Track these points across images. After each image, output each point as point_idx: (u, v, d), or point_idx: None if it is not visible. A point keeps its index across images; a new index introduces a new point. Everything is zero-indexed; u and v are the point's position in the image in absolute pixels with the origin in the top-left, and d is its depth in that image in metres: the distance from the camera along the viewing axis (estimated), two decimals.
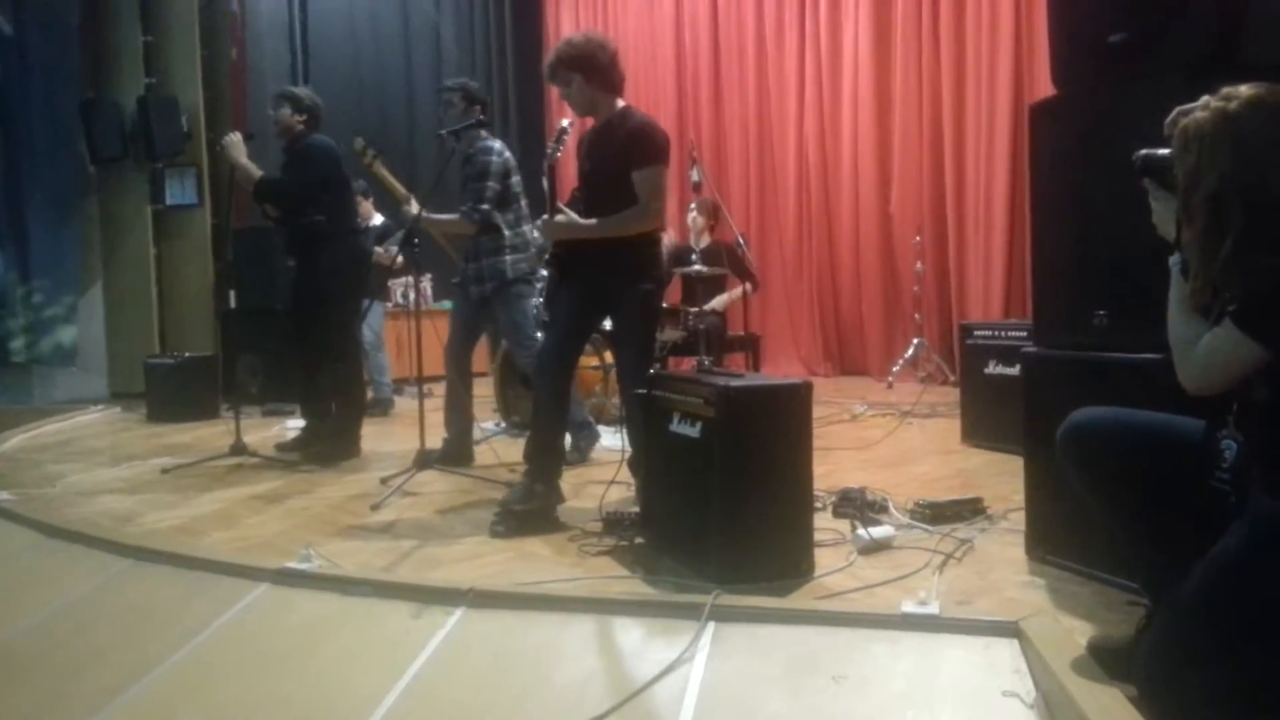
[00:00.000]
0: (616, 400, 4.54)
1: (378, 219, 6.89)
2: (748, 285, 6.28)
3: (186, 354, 7.06)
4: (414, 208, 4.44)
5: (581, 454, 4.71)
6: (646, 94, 9.21)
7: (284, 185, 4.88)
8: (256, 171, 4.89)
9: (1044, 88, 6.23)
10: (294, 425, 5.62)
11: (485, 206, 4.49)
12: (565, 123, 3.68)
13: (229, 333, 7.32)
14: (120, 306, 7.74)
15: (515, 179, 4.63)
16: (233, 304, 6.84)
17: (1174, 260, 1.92)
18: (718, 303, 6.23)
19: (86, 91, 7.62)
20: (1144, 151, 1.99)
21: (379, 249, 6.59)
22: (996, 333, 4.85)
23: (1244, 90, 1.78)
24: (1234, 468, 1.87)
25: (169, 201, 7.68)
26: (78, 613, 3.05)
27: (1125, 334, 2.62)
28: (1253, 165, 1.74)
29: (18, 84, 7.66)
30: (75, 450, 5.65)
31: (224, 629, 2.74)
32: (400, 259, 6.71)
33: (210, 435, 5.81)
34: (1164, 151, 1.93)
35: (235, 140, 4.89)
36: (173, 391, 6.77)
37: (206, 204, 7.67)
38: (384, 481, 4.18)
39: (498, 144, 4.62)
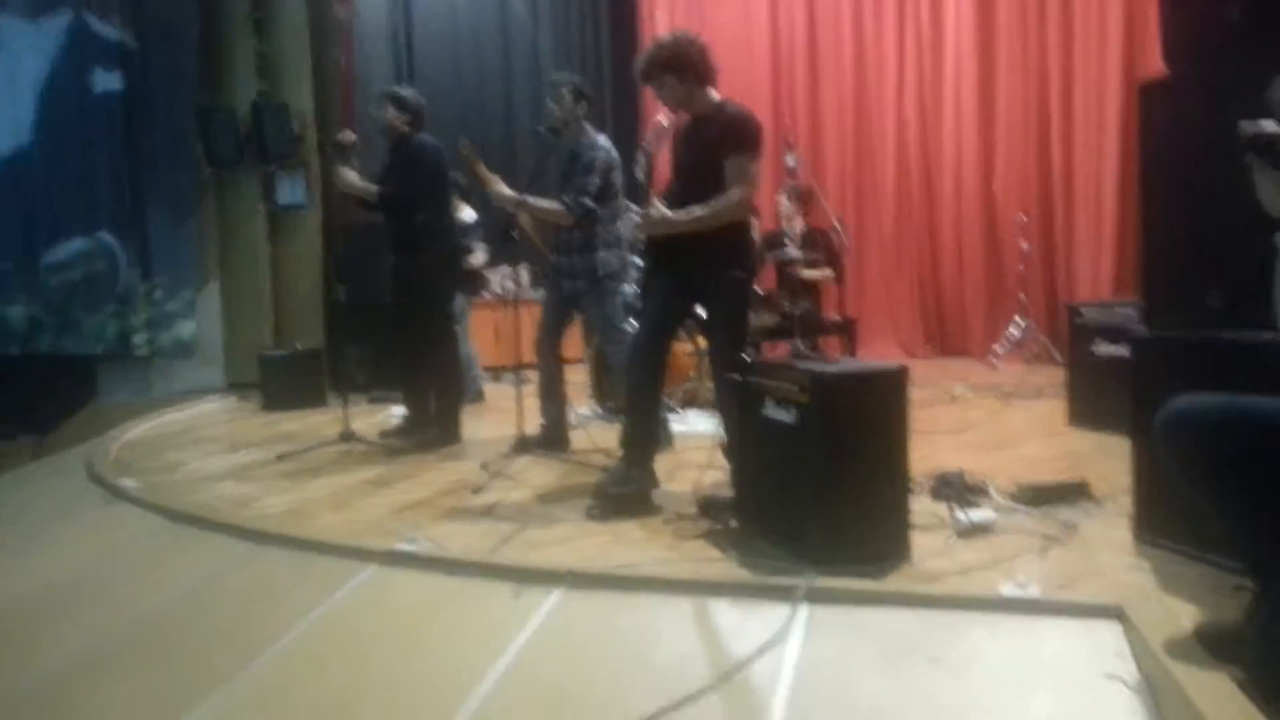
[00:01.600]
0: (710, 385, 4.55)
1: (470, 214, 7.02)
2: (831, 271, 6.20)
3: (298, 346, 7.33)
4: (505, 190, 4.47)
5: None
6: (742, 86, 9.10)
7: (399, 192, 4.99)
8: (373, 188, 5.03)
9: (1155, 64, 6.00)
10: (398, 413, 5.78)
11: (587, 200, 4.52)
12: (663, 119, 3.70)
13: (337, 325, 7.57)
14: (236, 301, 8.07)
15: (617, 174, 4.64)
16: (341, 298, 7.10)
17: None
18: (807, 274, 6.12)
19: (203, 98, 7.96)
20: (1248, 125, 1.91)
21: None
22: (1105, 312, 4.70)
23: None
24: None
25: (280, 202, 7.97)
26: (199, 594, 3.22)
27: (1238, 314, 2.53)
28: None
29: (139, 92, 8.04)
30: (194, 439, 5.93)
31: (335, 608, 2.86)
32: (480, 260, 6.90)
33: (320, 423, 6.03)
34: (1270, 126, 1.85)
35: (345, 173, 5.04)
36: (285, 382, 7.03)
37: (316, 204, 7.93)
38: (484, 467, 4.29)
39: (603, 139, 4.63)
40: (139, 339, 7.95)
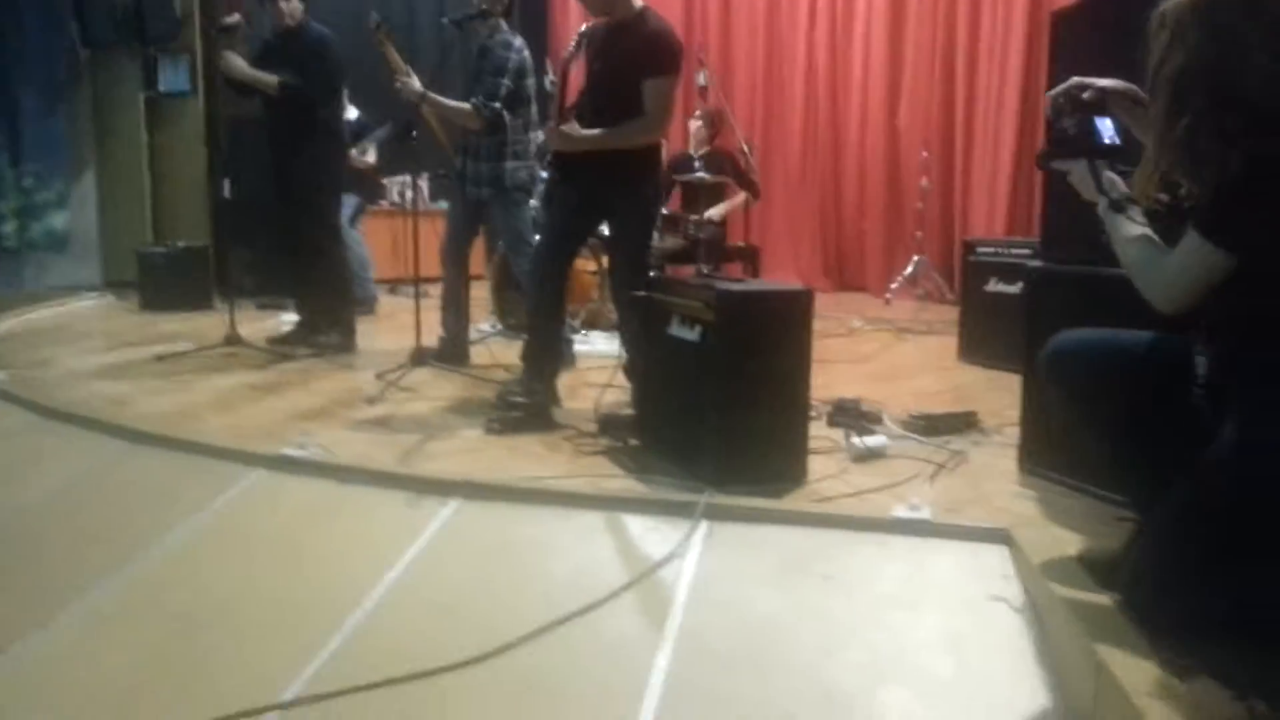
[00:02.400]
0: (612, 306, 4.51)
1: (353, 112, 6.71)
2: (748, 195, 6.21)
3: (180, 244, 6.99)
4: (415, 83, 4.27)
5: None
6: None
7: (311, 88, 4.75)
8: (272, 79, 4.74)
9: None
10: (289, 320, 5.59)
11: (497, 104, 4.33)
12: (582, 29, 3.57)
13: (223, 224, 7.24)
14: (113, 194, 7.64)
15: (529, 80, 4.46)
16: (227, 194, 6.76)
17: (1101, 205, 1.96)
18: (716, 211, 6.12)
19: None
20: (1042, 151, 2.14)
21: (354, 149, 6.47)
22: (1000, 250, 4.82)
23: None
24: (1208, 382, 1.87)
25: (162, 89, 7.52)
26: (72, 493, 3.07)
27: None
28: (1220, 46, 1.70)
29: None
30: (69, 335, 5.63)
31: (219, 513, 2.76)
32: (371, 159, 6.65)
33: (205, 326, 5.78)
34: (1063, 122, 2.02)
35: (232, 59, 4.74)
36: (167, 281, 6.72)
37: (200, 92, 7.50)
38: (379, 376, 4.18)
39: (518, 40, 4.43)
40: (7, 229, 7.48)
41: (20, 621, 2.37)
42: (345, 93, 6.41)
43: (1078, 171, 2.03)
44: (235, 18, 4.84)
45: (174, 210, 7.59)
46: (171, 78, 7.47)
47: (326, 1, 5.06)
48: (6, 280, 7.56)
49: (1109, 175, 1.99)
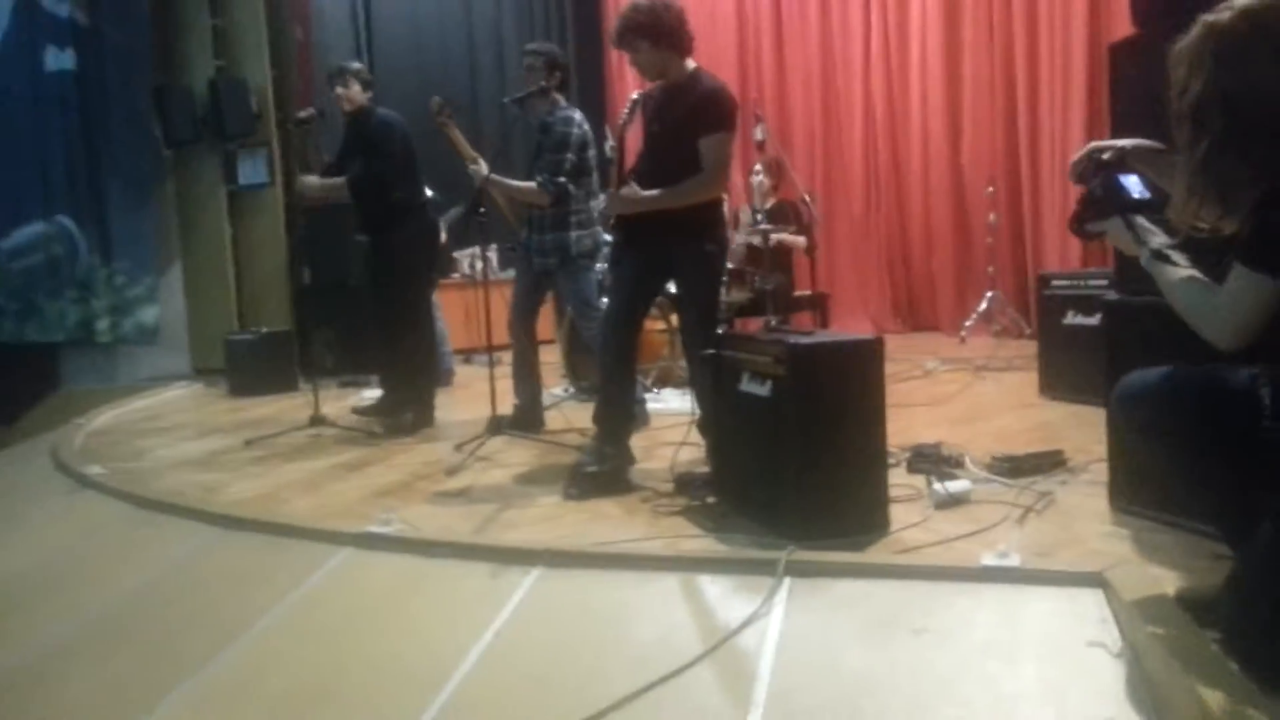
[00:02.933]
0: (683, 363, 4.53)
1: (426, 193, 6.92)
2: (803, 239, 6.18)
3: (264, 329, 7.22)
4: (482, 168, 4.40)
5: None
6: (707, 51, 9.00)
7: (376, 175, 4.89)
8: (340, 181, 4.93)
9: (1121, 27, 6.02)
10: (370, 396, 5.72)
11: (563, 179, 4.43)
12: (635, 95, 3.65)
13: (304, 307, 7.47)
14: (199, 285, 7.94)
15: (591, 152, 4.56)
16: (307, 280, 7.00)
17: (1144, 257, 1.96)
18: (776, 238, 6.05)
19: (159, 76, 7.79)
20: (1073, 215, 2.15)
21: None
22: (1075, 282, 4.72)
23: (1238, 2, 1.76)
24: (1275, 412, 1.82)
25: (242, 182, 7.83)
26: (170, 581, 3.17)
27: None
28: (1233, 69, 1.72)
29: (94, 72, 7.84)
30: (161, 425, 5.84)
31: (310, 592, 2.82)
32: (443, 237, 6.81)
33: (289, 408, 5.94)
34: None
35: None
36: (252, 366, 6.92)
37: (278, 183, 7.80)
38: (458, 448, 4.25)
39: (578, 114, 4.54)
40: (101, 325, 7.80)
41: (125, 710, 2.45)
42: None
43: (1113, 229, 2.05)
44: (309, 111, 5.05)
45: (257, 297, 7.85)
46: (251, 171, 7.79)
47: (395, 88, 5.23)
48: (100, 375, 7.88)
49: (1144, 225, 1.99)
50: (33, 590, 3.39)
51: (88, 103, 7.83)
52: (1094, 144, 2.13)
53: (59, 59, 7.83)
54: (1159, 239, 1.96)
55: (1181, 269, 1.89)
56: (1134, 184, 2.08)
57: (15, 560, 3.70)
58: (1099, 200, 2.08)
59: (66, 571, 3.48)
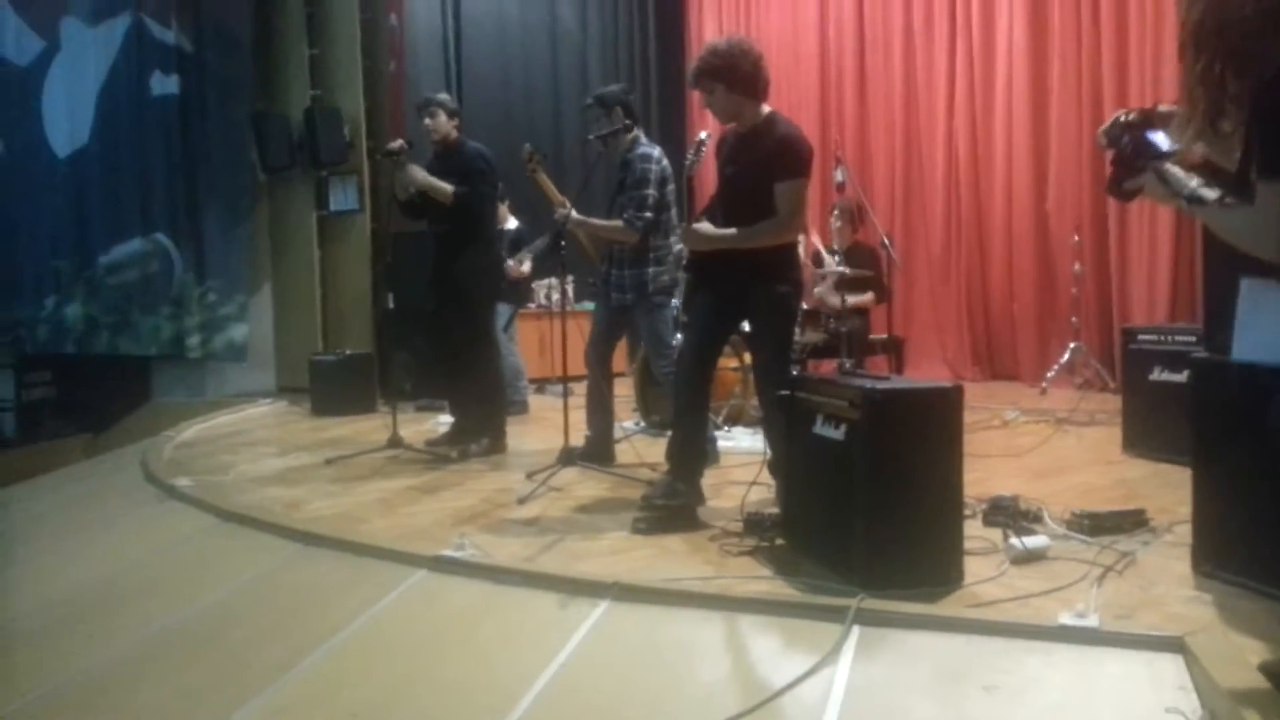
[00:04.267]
0: (755, 402, 4.53)
1: (512, 223, 7.06)
2: (871, 294, 6.16)
3: (348, 351, 7.41)
4: (570, 211, 4.50)
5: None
6: (789, 94, 9.12)
7: (475, 199, 5.01)
8: (448, 187, 5.02)
9: None
10: (445, 420, 5.82)
11: (648, 214, 4.50)
12: (703, 135, 3.69)
13: (386, 332, 7.65)
14: (287, 306, 8.19)
15: (670, 188, 4.62)
16: (390, 304, 7.17)
17: (1182, 205, 2.02)
18: (854, 299, 6.05)
19: (257, 103, 8.10)
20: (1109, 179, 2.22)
21: (512, 260, 6.76)
22: (1162, 337, 4.61)
23: None
24: None
25: (332, 207, 8.07)
26: (248, 594, 3.26)
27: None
28: None
29: (196, 97, 8.21)
30: (246, 441, 6.01)
31: (384, 612, 2.88)
32: (527, 269, 6.93)
33: (368, 429, 6.08)
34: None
35: (415, 168, 5.05)
36: (335, 387, 7.11)
37: (367, 210, 8.02)
38: (530, 477, 4.30)
39: (657, 151, 4.62)
40: (193, 341, 8.09)
41: (202, 718, 2.52)
42: (506, 204, 6.77)
43: (1148, 183, 2.09)
44: (399, 143, 5.20)
45: (341, 320, 8.07)
46: (341, 198, 8.03)
47: (482, 122, 5.38)
48: (190, 389, 8.16)
49: (1176, 174, 2.03)
50: (116, 597, 3.51)
51: (189, 127, 8.19)
52: (1117, 111, 2.23)
53: (164, 84, 8.22)
54: (1193, 183, 1.99)
55: (1218, 202, 1.94)
56: (1161, 139, 2.12)
57: (101, 567, 3.84)
58: (1130, 157, 2.13)
59: (150, 580, 3.60)
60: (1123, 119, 2.18)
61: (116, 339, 8.31)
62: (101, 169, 8.37)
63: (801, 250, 5.33)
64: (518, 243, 6.96)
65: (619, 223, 4.53)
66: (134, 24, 8.26)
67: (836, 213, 6.41)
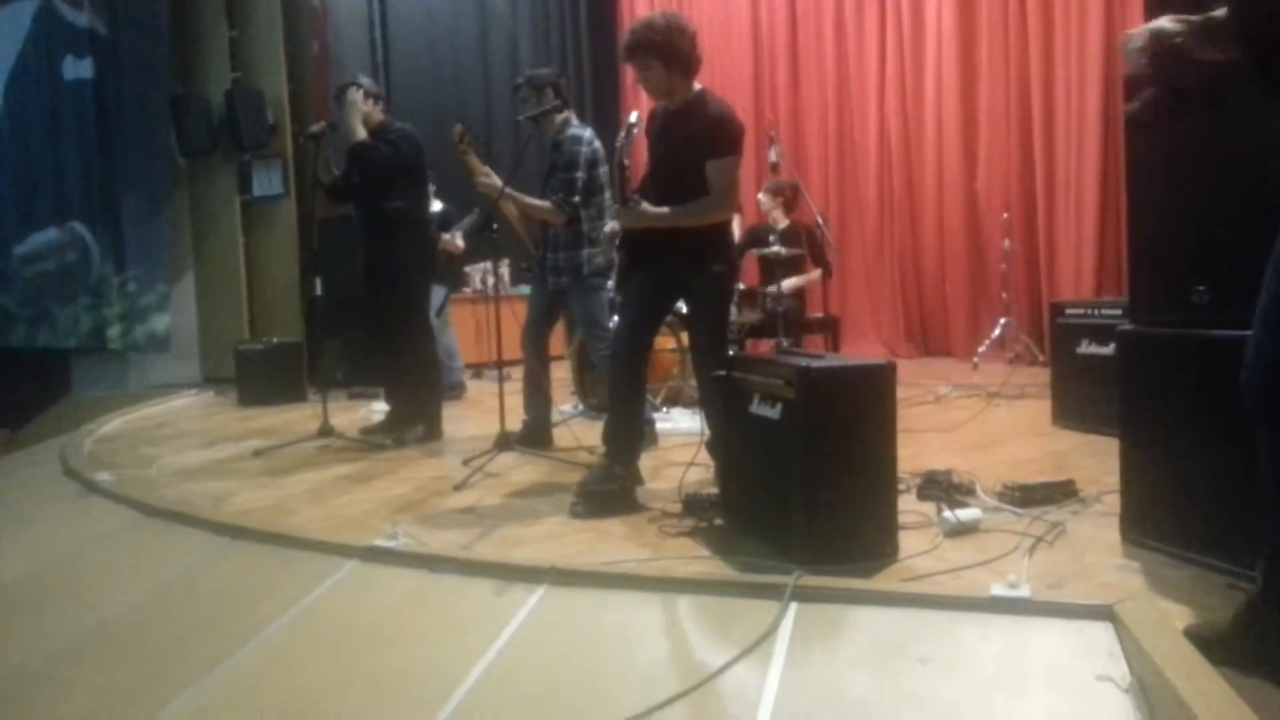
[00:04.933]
0: (693, 383, 4.52)
1: (437, 205, 6.93)
2: (819, 270, 6.22)
3: (275, 340, 7.24)
4: (495, 181, 4.42)
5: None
6: (722, 73, 9.11)
7: (378, 156, 4.85)
8: (361, 133, 4.86)
9: None
10: (379, 408, 5.73)
11: (576, 198, 4.46)
12: (634, 115, 3.65)
13: (315, 319, 7.50)
14: (211, 294, 7.98)
15: (602, 170, 4.58)
16: (318, 291, 7.00)
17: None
18: (790, 284, 6.11)
19: (176, 86, 7.85)
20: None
21: (445, 235, 6.65)
22: (1089, 311, 4.70)
23: None
24: None
25: (256, 192, 7.88)
26: (175, 589, 3.16)
27: (1227, 310, 2.52)
28: None
29: (111, 80, 7.93)
30: (169, 433, 5.85)
31: (315, 605, 2.81)
32: (462, 245, 6.83)
33: (298, 418, 5.96)
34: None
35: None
36: (262, 376, 6.95)
37: (292, 194, 7.84)
38: (466, 463, 4.24)
39: (588, 133, 4.57)
40: (113, 332, 7.85)
41: (127, 717, 2.43)
42: (432, 188, 6.63)
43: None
44: (321, 125, 5.06)
45: (268, 308, 7.89)
46: (265, 182, 7.84)
47: (410, 103, 5.26)
48: (111, 381, 7.92)
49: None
50: (38, 594, 3.38)
51: (104, 111, 7.92)
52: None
53: (77, 68, 7.93)
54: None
55: None
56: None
57: (21, 563, 3.70)
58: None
59: (72, 576, 3.47)
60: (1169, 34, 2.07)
61: (34, 331, 8.03)
62: (13, 156, 8.06)
63: (736, 229, 5.34)
64: (446, 222, 6.85)
65: (548, 204, 4.48)
66: (43, 6, 7.96)
67: (765, 190, 6.42)
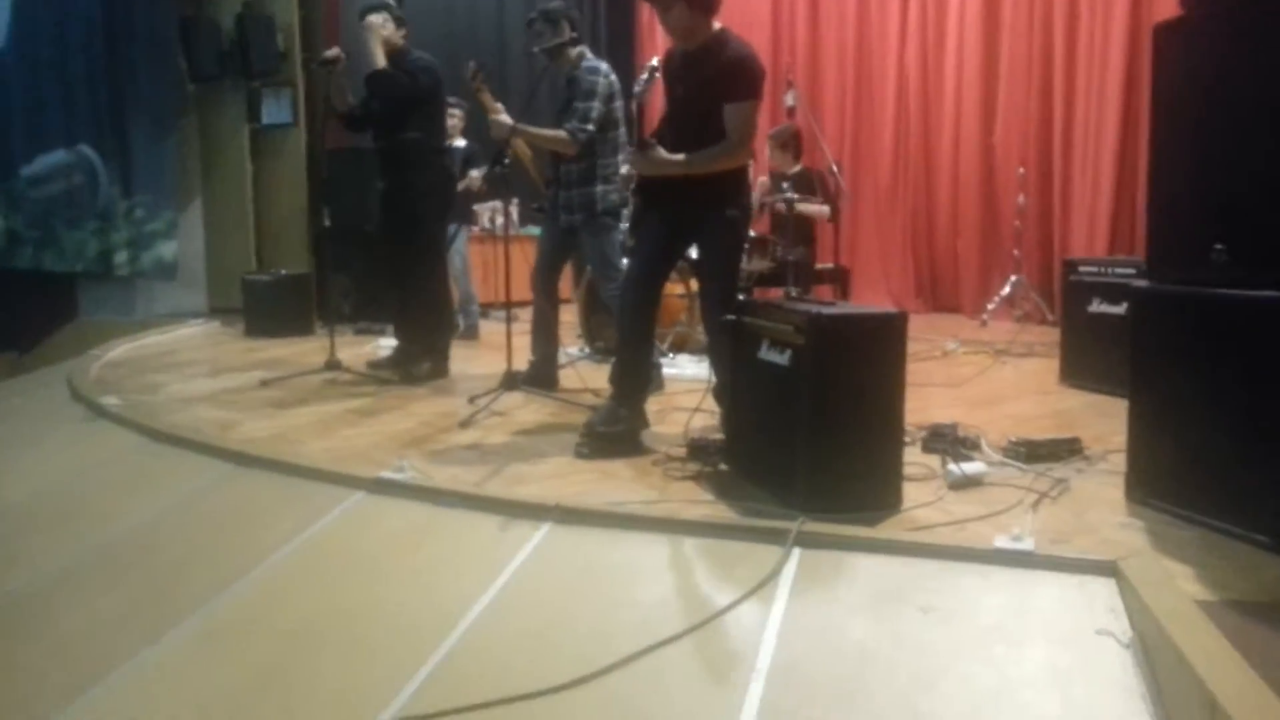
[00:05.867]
0: (701, 329, 4.50)
1: (461, 141, 6.85)
2: (826, 207, 6.12)
3: (283, 271, 7.21)
4: (505, 118, 4.36)
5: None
6: (740, 15, 8.91)
7: (397, 83, 4.75)
8: (381, 60, 4.75)
9: (1163, 9, 5.90)
10: (386, 344, 5.72)
11: (590, 127, 4.38)
12: (654, 61, 3.58)
13: (323, 251, 7.46)
14: (218, 223, 7.93)
15: (618, 104, 4.50)
16: (327, 223, 6.95)
17: None
18: (801, 206, 5.95)
19: (186, 9, 7.73)
20: None
21: (473, 173, 6.58)
22: (1102, 270, 4.66)
23: None
24: None
25: (265, 120, 7.79)
26: (179, 514, 3.18)
27: (1244, 270, 2.49)
28: None
29: (120, 2, 7.80)
30: (176, 361, 5.85)
31: (320, 534, 2.83)
32: (483, 184, 6.76)
33: (305, 351, 5.96)
34: None
35: (376, 25, 4.73)
36: (269, 307, 6.93)
37: (301, 123, 7.75)
38: (472, 401, 4.24)
39: (604, 65, 4.50)
40: (120, 258, 7.82)
41: (131, 639, 2.47)
42: (458, 122, 6.53)
43: None
44: (335, 51, 4.96)
45: (276, 238, 7.84)
46: (274, 110, 7.74)
47: (422, 38, 5.14)
48: (118, 308, 7.91)
49: None
50: (42, 516, 3.42)
51: (113, 33, 7.80)
52: None
53: None
54: None
55: None
56: None
57: (27, 485, 3.73)
58: None
59: (77, 500, 3.50)
60: None
61: (40, 254, 8.00)
62: (21, 76, 7.96)
63: (751, 174, 5.27)
64: (469, 161, 6.77)
65: (561, 133, 4.41)
66: None
67: (770, 136, 6.31)
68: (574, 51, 4.47)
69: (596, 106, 4.38)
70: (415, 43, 5.02)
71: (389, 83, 4.76)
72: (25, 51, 7.93)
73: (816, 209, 6.12)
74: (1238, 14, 2.55)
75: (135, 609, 2.65)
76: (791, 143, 6.29)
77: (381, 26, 4.77)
